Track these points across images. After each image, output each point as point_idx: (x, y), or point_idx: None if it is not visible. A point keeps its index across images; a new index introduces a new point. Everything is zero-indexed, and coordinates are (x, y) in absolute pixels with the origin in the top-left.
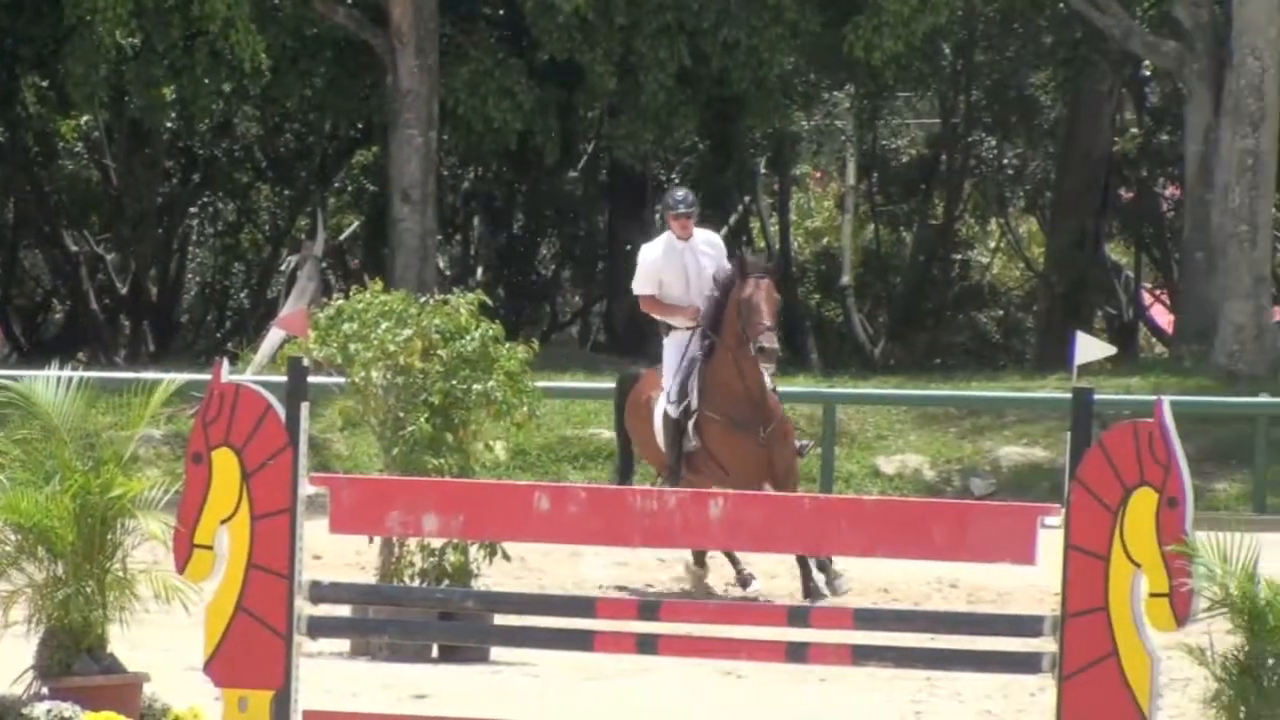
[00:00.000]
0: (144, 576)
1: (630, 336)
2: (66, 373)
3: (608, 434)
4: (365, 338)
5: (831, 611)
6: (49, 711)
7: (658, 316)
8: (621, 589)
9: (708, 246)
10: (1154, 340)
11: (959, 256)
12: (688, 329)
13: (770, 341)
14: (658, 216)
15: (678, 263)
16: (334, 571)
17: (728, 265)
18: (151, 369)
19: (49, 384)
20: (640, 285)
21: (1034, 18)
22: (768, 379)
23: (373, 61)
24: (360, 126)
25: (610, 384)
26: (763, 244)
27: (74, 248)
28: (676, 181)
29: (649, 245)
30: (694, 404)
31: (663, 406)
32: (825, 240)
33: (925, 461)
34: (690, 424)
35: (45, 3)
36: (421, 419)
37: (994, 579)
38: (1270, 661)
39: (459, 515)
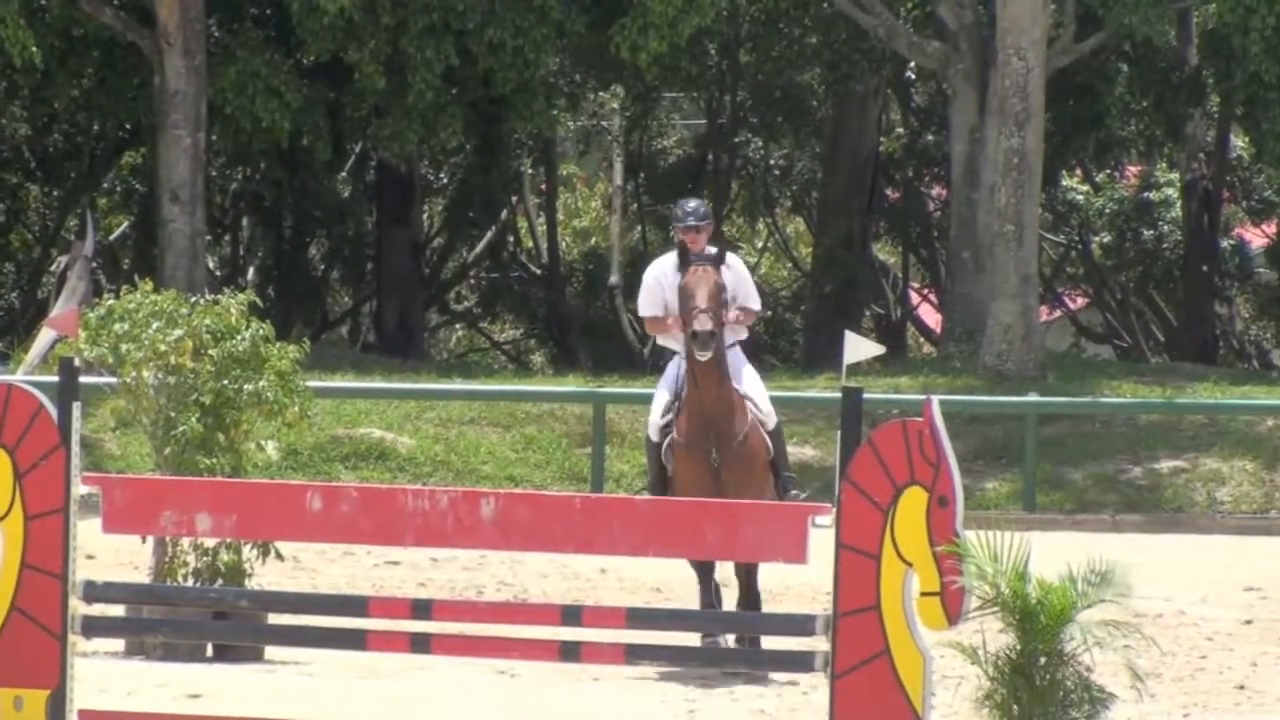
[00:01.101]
0: None
1: (399, 336)
2: None
3: (379, 433)
4: (136, 338)
5: (604, 611)
6: None
7: (660, 341)
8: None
9: (728, 272)
10: (922, 340)
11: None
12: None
13: (702, 324)
14: (670, 232)
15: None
16: (108, 571)
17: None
18: None
19: None
20: (643, 307)
21: (799, 18)
22: (741, 387)
23: (140, 62)
24: (129, 127)
25: (383, 383)
26: (530, 244)
27: None
28: (445, 183)
29: (655, 263)
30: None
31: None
32: (593, 240)
33: None
34: (667, 443)
35: None
36: (193, 419)
37: (766, 578)
38: (1042, 660)
39: (232, 515)
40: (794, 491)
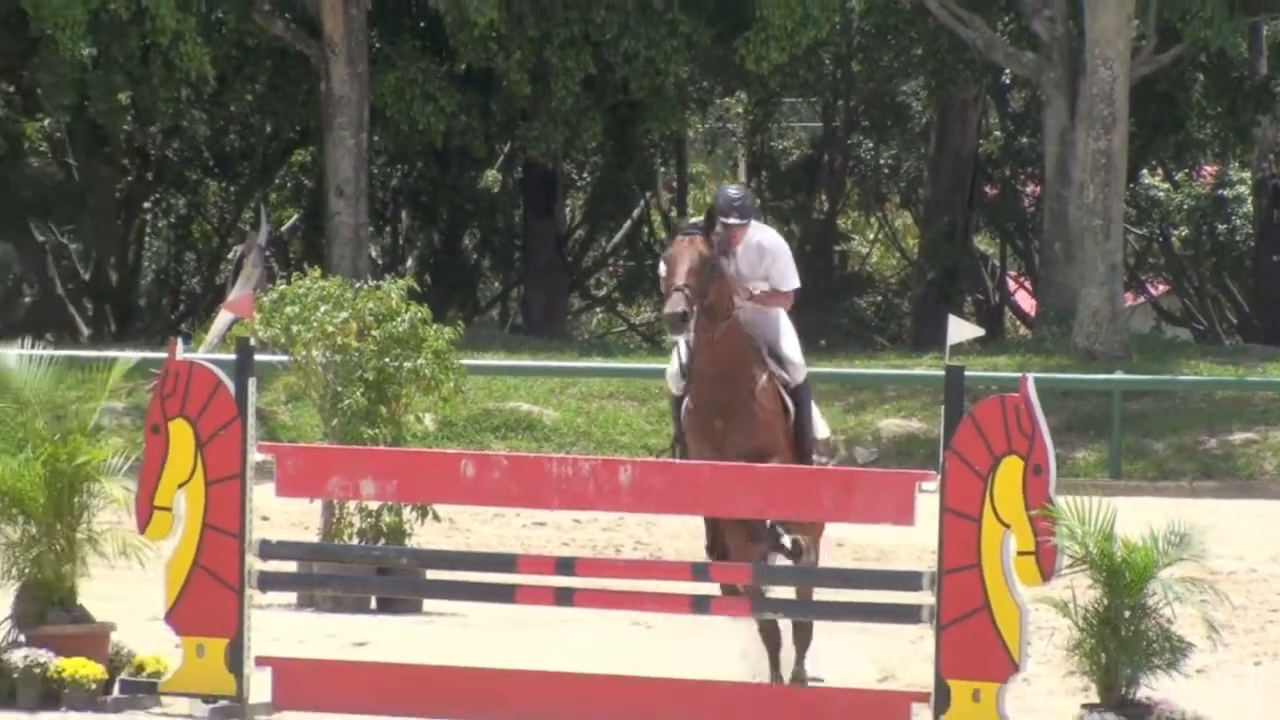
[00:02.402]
0: (109, 536)
1: (544, 319)
2: (36, 351)
3: (526, 406)
4: (306, 320)
5: (731, 568)
6: (25, 658)
7: None
8: None
9: (763, 257)
10: (1018, 323)
11: (841, 247)
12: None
13: (673, 304)
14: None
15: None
16: (281, 531)
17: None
18: (113, 348)
19: (20, 362)
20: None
21: (905, 31)
22: (790, 362)
23: (308, 70)
24: (298, 129)
25: (529, 361)
26: (663, 234)
27: (40, 238)
28: (586, 180)
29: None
30: None
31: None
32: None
33: None
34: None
35: (12, 16)
36: (357, 393)
37: (877, 538)
38: (1126, 613)
39: (393, 480)
40: (820, 459)
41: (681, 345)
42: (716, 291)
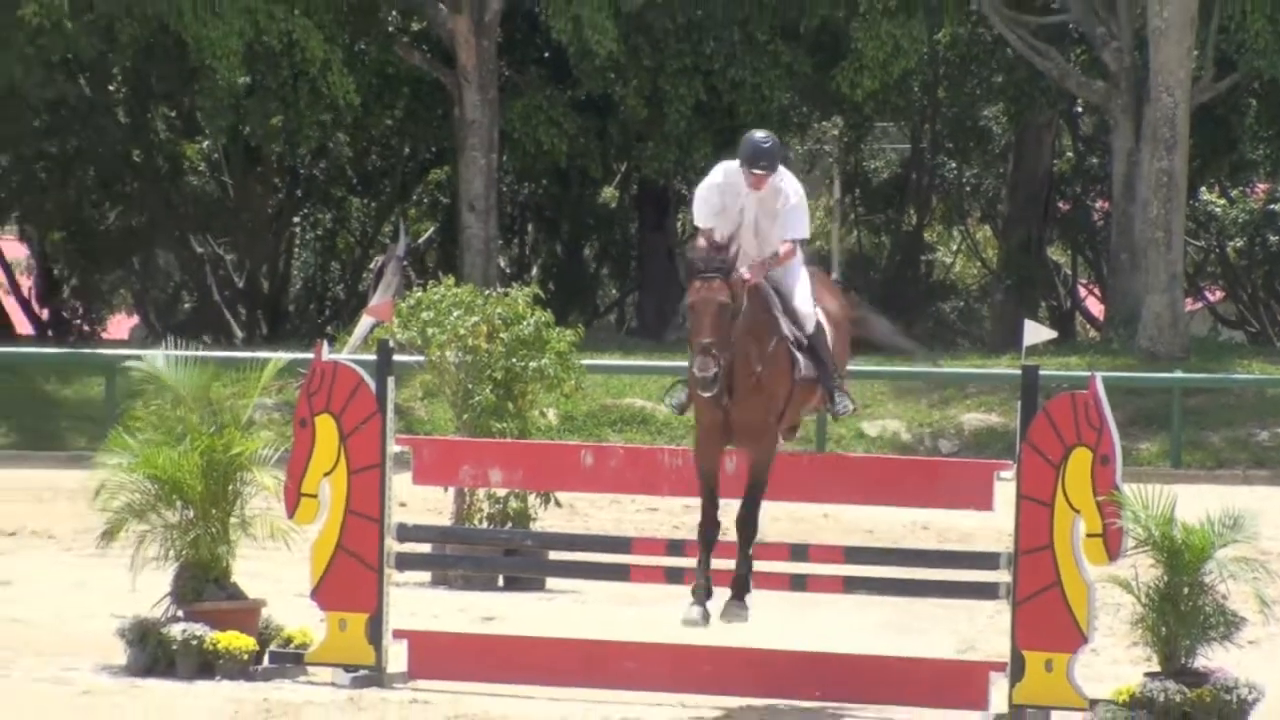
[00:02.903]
0: (259, 520)
1: (657, 322)
2: (194, 353)
3: (640, 402)
4: (440, 324)
5: (826, 549)
6: (183, 631)
7: None
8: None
9: (779, 200)
10: (1088, 326)
11: (926, 257)
12: None
13: (703, 368)
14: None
15: (734, 207)
16: (416, 516)
17: (798, 222)
18: (264, 350)
19: (179, 362)
20: (701, 215)
21: (986, 61)
22: (800, 315)
23: (443, 96)
24: (433, 150)
25: (643, 361)
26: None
27: (199, 250)
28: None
29: (720, 169)
30: None
31: None
32: (817, 243)
33: (902, 426)
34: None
35: (174, 47)
36: (487, 390)
37: (958, 522)
38: (1185, 590)
39: (519, 470)
40: (843, 404)
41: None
42: (743, 330)
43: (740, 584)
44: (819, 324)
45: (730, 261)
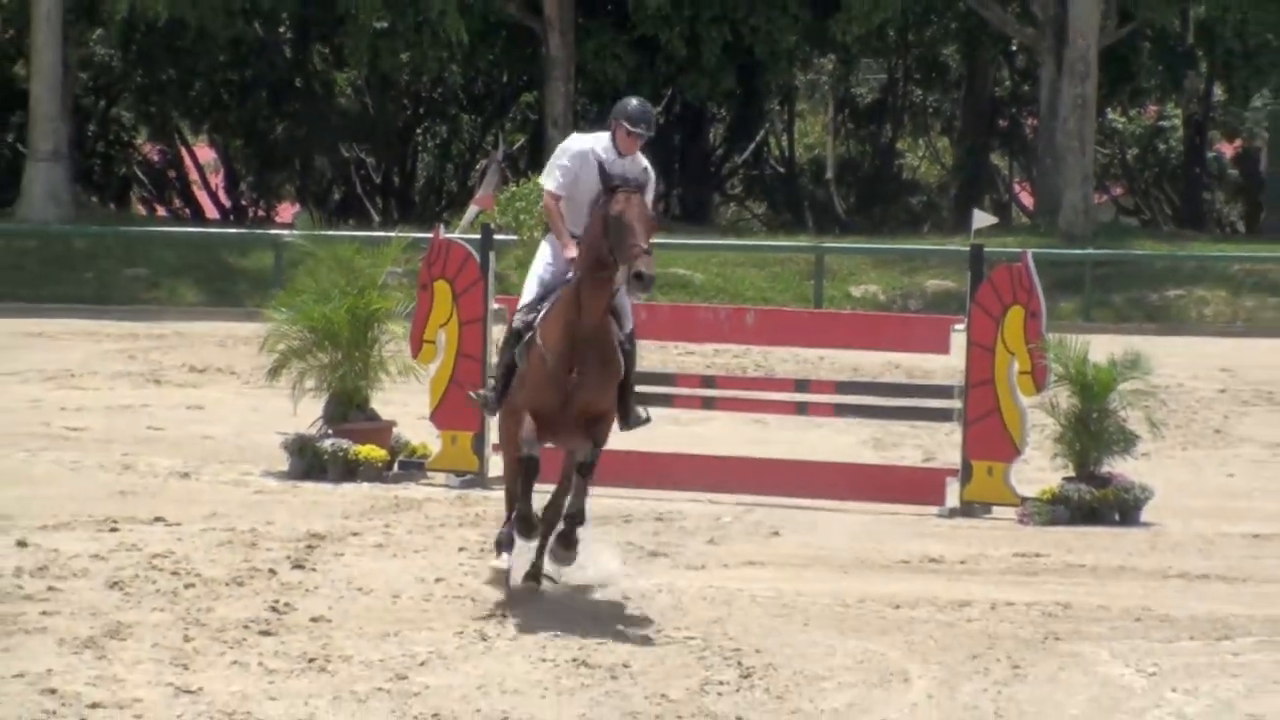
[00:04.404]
0: (392, 360)
1: (695, 210)
2: (343, 233)
3: (682, 271)
4: (530, 210)
5: (822, 383)
6: (332, 445)
7: (549, 223)
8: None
9: (641, 172)
10: (1022, 215)
11: (899, 162)
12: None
13: (649, 267)
14: (610, 123)
15: (588, 179)
16: None
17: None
18: (395, 230)
19: (331, 240)
20: (553, 180)
21: (944, 12)
22: (623, 313)
23: (533, 37)
24: (524, 78)
25: (682, 240)
26: (778, 153)
27: (345, 155)
28: (724, 115)
29: (577, 137)
30: (536, 323)
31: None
32: (816, 151)
33: (879, 289)
34: (524, 341)
35: None
36: None
37: (923, 363)
38: (1095, 415)
39: None
40: (640, 415)
41: (535, 284)
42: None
43: (571, 524)
44: (632, 332)
45: (642, 188)
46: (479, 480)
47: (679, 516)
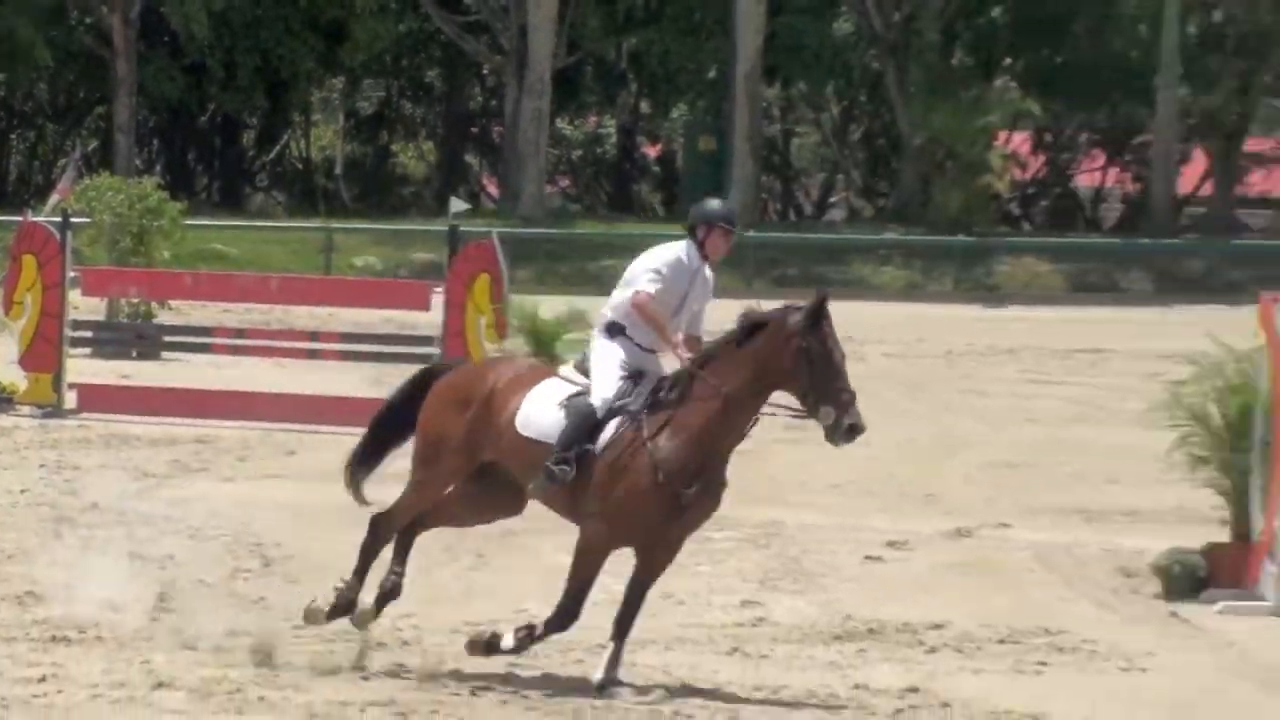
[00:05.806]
0: None
1: (225, 199)
2: None
3: (220, 247)
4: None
5: (330, 334)
6: None
7: (646, 324)
8: None
9: (707, 281)
10: (490, 203)
11: (393, 161)
12: (650, 350)
13: (860, 420)
14: (689, 226)
15: (683, 282)
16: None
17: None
18: None
19: None
20: (652, 285)
21: (430, 43)
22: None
23: (104, 62)
24: (98, 94)
25: (209, 220)
26: (298, 152)
27: None
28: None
29: (665, 248)
30: (643, 423)
31: (582, 397)
32: (328, 152)
33: (378, 260)
34: (613, 430)
35: None
36: (127, 239)
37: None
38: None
39: (146, 285)
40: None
41: (621, 372)
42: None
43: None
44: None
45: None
46: (58, 412)
47: (216, 440)
